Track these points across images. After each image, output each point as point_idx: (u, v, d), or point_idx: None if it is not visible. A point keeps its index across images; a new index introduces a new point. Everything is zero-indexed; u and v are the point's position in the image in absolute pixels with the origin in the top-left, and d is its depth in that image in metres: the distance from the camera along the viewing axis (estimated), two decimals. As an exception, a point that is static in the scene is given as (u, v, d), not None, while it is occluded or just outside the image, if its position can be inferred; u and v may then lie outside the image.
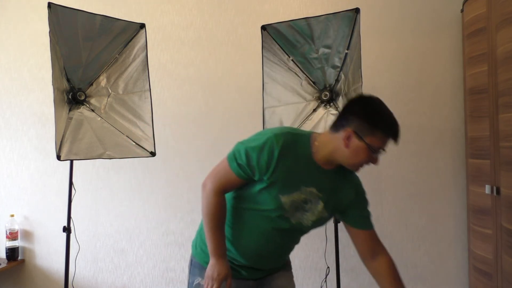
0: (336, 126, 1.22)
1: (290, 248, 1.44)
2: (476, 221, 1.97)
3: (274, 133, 1.21)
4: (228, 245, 1.33)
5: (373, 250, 1.34)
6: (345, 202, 1.32)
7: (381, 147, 1.19)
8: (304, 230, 1.34)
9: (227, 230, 1.34)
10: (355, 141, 1.17)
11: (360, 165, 1.22)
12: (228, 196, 1.32)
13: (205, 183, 1.29)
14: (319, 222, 1.32)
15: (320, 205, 1.27)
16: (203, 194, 1.29)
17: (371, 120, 1.17)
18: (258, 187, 1.24)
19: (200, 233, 1.44)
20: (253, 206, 1.28)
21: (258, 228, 1.29)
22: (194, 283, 1.40)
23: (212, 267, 1.27)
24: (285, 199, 1.23)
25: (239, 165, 1.22)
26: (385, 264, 1.33)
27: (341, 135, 1.19)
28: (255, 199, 1.26)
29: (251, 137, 1.26)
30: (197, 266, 1.41)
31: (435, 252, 2.24)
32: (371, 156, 1.19)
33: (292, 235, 1.36)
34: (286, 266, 1.52)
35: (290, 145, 1.20)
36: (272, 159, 1.18)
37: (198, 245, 1.43)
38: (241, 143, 1.24)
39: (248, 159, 1.20)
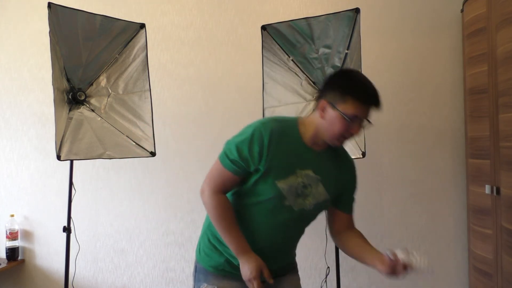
0: (316, 103, 1.28)
1: (296, 240, 1.41)
2: (476, 221, 1.97)
3: (260, 122, 1.24)
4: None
5: (346, 229, 1.37)
6: (343, 181, 1.33)
7: (355, 115, 1.17)
8: (307, 215, 1.31)
9: None
10: (329, 111, 1.19)
11: (338, 136, 1.20)
12: (227, 196, 1.31)
13: (202, 189, 1.29)
14: (322, 204, 1.31)
15: (321, 187, 1.27)
16: (204, 200, 1.28)
17: (341, 87, 1.18)
18: (253, 178, 1.24)
19: (203, 237, 1.41)
20: (253, 199, 1.27)
21: (262, 224, 1.28)
22: None
23: (244, 266, 1.24)
24: (281, 184, 1.22)
25: (232, 161, 1.22)
26: (356, 233, 1.36)
27: (318, 109, 1.22)
28: (253, 191, 1.26)
29: (238, 133, 1.26)
30: (202, 271, 1.38)
31: (435, 252, 2.24)
32: (347, 125, 1.17)
33: (297, 225, 1.34)
34: (293, 269, 1.48)
35: (278, 131, 1.21)
36: (263, 147, 1.19)
37: (202, 250, 1.40)
38: (229, 140, 1.26)
39: (239, 153, 1.21)
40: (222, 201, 1.27)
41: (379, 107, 1.19)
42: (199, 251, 1.41)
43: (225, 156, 1.24)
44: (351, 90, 1.17)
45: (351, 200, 1.38)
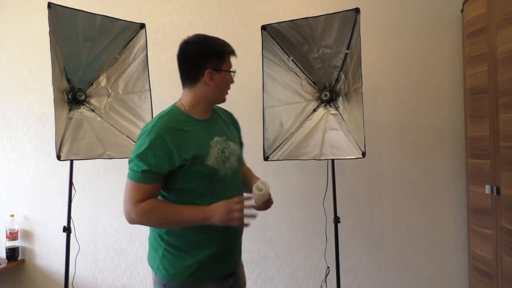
0: (191, 80, 1.35)
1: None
2: (476, 221, 1.97)
3: (152, 128, 1.25)
4: (201, 240, 1.31)
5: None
6: (234, 130, 1.51)
7: (230, 66, 1.39)
8: (237, 171, 1.42)
9: (195, 232, 1.30)
10: (216, 76, 1.33)
11: (227, 91, 1.41)
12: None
13: (127, 214, 1.25)
14: (240, 156, 1.46)
15: (231, 144, 1.41)
16: (135, 219, 1.25)
17: (214, 52, 1.34)
18: (185, 174, 1.27)
19: (164, 256, 1.33)
20: (196, 188, 1.30)
21: (215, 198, 1.28)
22: None
23: (216, 214, 1.22)
24: (210, 161, 1.29)
25: (142, 172, 1.22)
26: (245, 168, 1.57)
27: (202, 81, 1.32)
28: (193, 184, 1.29)
29: (135, 147, 1.27)
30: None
31: (435, 252, 2.24)
32: (231, 78, 1.40)
33: (238, 185, 1.43)
34: (240, 256, 1.51)
35: (170, 123, 1.28)
36: (168, 147, 1.23)
37: (171, 268, 1.32)
38: (131, 158, 1.26)
39: (147, 162, 1.21)
40: (149, 203, 1.24)
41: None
42: (166, 272, 1.32)
43: (134, 173, 1.24)
44: (222, 49, 1.35)
45: (241, 142, 1.58)
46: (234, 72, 1.39)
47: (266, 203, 1.35)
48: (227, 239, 1.35)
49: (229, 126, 1.48)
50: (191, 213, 1.24)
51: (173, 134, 1.24)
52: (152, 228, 1.37)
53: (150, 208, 1.23)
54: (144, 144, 1.23)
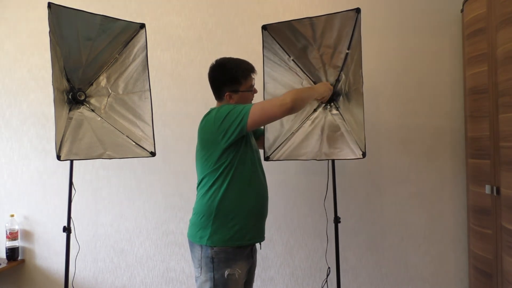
0: (218, 98, 1.72)
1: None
2: (476, 221, 1.98)
3: (233, 104, 1.66)
4: (251, 205, 1.62)
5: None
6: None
7: (252, 84, 1.69)
8: (257, 151, 1.78)
9: (248, 200, 1.61)
10: (235, 96, 1.66)
11: (250, 102, 1.70)
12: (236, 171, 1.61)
13: (283, 104, 1.50)
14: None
15: (252, 139, 1.76)
16: (289, 102, 1.50)
17: (233, 78, 1.63)
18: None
19: (217, 221, 1.58)
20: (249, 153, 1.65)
21: (255, 170, 1.67)
22: (226, 275, 1.51)
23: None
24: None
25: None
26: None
27: (225, 99, 1.68)
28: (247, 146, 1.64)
29: (233, 110, 1.56)
30: (222, 259, 1.53)
31: (435, 252, 2.24)
32: (251, 93, 1.71)
33: (261, 164, 1.76)
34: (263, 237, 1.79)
35: None
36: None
37: (218, 232, 1.56)
38: (241, 110, 1.56)
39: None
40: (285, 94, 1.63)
41: (255, 70, 1.69)
42: (211, 237, 1.56)
43: (248, 105, 1.54)
44: (237, 75, 1.63)
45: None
46: (252, 89, 1.69)
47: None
48: (259, 207, 1.66)
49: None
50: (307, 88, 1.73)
51: None
52: (202, 208, 1.65)
53: (287, 94, 1.54)
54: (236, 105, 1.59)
